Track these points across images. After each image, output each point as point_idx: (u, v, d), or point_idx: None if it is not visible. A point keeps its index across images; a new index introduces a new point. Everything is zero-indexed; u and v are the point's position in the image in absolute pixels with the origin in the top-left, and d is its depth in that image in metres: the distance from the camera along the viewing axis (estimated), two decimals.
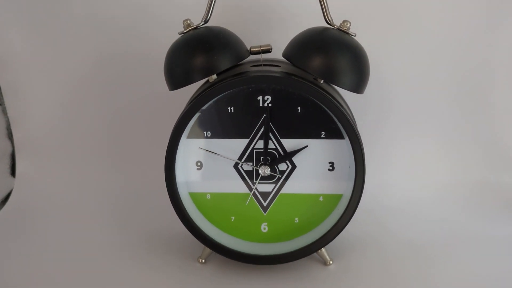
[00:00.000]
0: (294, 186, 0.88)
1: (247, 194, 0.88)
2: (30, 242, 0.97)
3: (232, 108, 0.85)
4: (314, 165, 0.86)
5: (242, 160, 0.87)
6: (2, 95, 1.13)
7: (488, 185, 1.10)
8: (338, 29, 0.85)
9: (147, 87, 1.10)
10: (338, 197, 0.87)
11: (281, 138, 0.86)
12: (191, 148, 0.87)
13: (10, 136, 1.15)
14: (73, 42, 1.10)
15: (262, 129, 0.85)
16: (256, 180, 0.87)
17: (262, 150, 0.86)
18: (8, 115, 1.14)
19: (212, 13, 0.87)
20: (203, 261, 0.91)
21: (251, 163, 0.87)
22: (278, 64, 0.87)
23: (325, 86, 0.84)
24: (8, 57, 1.11)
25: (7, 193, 1.12)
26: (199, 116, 0.85)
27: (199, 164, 0.88)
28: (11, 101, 1.13)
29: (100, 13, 1.08)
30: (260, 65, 0.87)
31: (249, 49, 0.87)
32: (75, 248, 0.96)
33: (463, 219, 1.03)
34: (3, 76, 1.12)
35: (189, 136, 0.86)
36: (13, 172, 1.15)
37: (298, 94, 0.83)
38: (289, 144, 0.86)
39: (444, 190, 1.10)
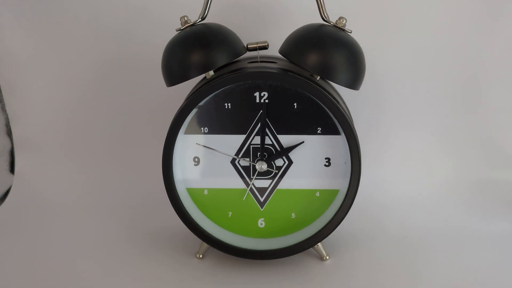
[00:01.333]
0: (291, 181, 0.88)
1: (244, 190, 0.89)
2: (29, 239, 0.98)
3: (229, 104, 0.85)
4: (310, 161, 0.87)
5: (239, 156, 0.87)
6: (1, 93, 1.13)
7: (482, 183, 1.10)
8: (334, 25, 0.85)
9: (145, 83, 1.10)
10: (334, 192, 0.88)
11: (277, 134, 0.86)
12: (189, 144, 0.87)
13: (9, 133, 1.15)
14: (71, 40, 1.10)
15: (259, 125, 0.86)
16: (253, 175, 0.88)
17: (259, 146, 0.86)
18: (8, 112, 1.14)
19: (209, 10, 0.87)
20: (201, 256, 0.91)
21: (248, 159, 0.87)
22: (274, 61, 0.88)
23: (321, 82, 0.85)
24: (8, 55, 1.11)
25: (6, 190, 1.13)
26: (196, 112, 0.86)
27: (196, 160, 0.88)
28: (11, 99, 1.13)
29: (97, 11, 1.08)
30: (257, 62, 0.87)
31: (246, 46, 0.87)
32: (73, 244, 0.96)
33: (458, 216, 1.03)
34: (2, 74, 1.12)
35: (186, 132, 0.87)
36: (12, 169, 1.15)
37: (294, 90, 0.83)
38: (286, 140, 0.86)
39: (439, 187, 1.10)
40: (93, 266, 0.90)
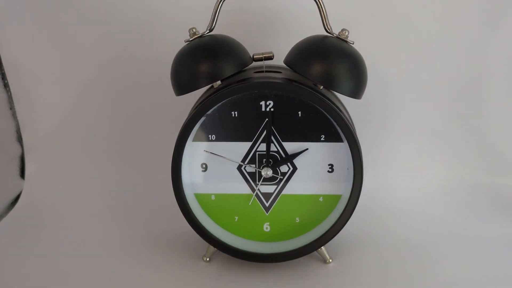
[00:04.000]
0: (295, 187, 0.89)
1: (250, 195, 0.90)
2: (39, 243, 0.98)
3: (236, 112, 0.86)
4: (314, 167, 0.88)
5: (245, 162, 0.89)
6: (12, 100, 1.14)
7: (482, 187, 1.12)
8: (337, 37, 0.87)
9: (155, 92, 1.10)
10: (337, 197, 0.89)
11: (282, 141, 0.88)
12: (197, 151, 0.89)
13: (19, 139, 1.16)
14: (81, 47, 1.10)
15: (265, 132, 0.87)
16: (259, 181, 0.89)
17: (265, 152, 0.88)
18: (18, 119, 1.15)
19: (217, 21, 0.88)
20: (208, 259, 0.92)
21: (254, 165, 0.89)
22: (279, 71, 0.89)
23: (325, 92, 0.86)
24: (18, 62, 1.11)
25: (16, 195, 1.13)
26: (204, 120, 0.87)
27: (204, 166, 0.89)
28: (21, 105, 1.14)
29: (108, 20, 1.08)
30: (262, 72, 0.88)
31: (252, 56, 0.89)
32: (83, 247, 0.96)
33: (458, 219, 1.04)
34: (13, 81, 1.13)
35: (194, 139, 0.88)
36: (22, 174, 1.16)
37: (299, 99, 0.85)
38: (290, 147, 0.88)
39: (440, 192, 1.11)
40: (100, 268, 0.91)
